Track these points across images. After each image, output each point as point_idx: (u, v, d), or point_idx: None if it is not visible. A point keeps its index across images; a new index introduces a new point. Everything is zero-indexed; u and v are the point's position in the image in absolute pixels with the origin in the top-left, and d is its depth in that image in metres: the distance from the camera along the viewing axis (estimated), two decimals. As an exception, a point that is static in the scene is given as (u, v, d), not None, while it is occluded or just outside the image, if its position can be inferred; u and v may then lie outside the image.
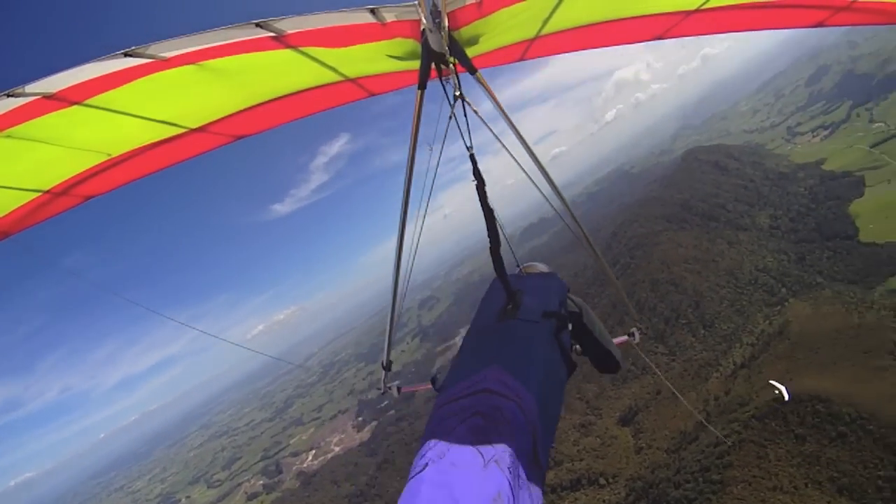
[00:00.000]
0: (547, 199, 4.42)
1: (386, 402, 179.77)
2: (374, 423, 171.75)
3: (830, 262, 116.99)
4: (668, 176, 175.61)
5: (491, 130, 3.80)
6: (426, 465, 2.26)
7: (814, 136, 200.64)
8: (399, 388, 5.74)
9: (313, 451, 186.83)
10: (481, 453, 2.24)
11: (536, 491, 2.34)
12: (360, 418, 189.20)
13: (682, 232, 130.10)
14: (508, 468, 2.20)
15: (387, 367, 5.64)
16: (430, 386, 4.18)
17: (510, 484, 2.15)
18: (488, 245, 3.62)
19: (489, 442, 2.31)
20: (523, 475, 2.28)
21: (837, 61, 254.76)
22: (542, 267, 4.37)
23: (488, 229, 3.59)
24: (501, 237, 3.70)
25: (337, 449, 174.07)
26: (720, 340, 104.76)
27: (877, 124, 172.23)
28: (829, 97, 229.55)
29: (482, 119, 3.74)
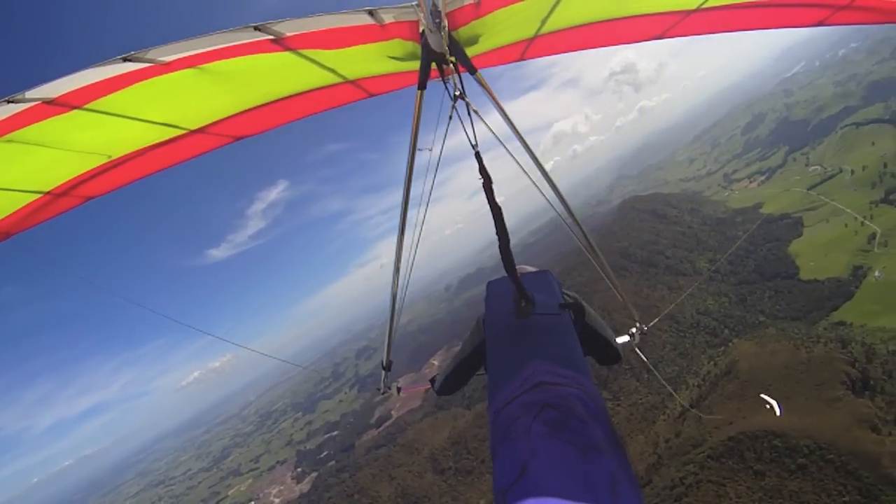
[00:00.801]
0: (547, 199, 4.50)
1: (326, 453, 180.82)
2: (314, 475, 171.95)
3: (772, 301, 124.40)
4: (606, 225, 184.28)
5: (491, 131, 3.87)
6: (524, 468, 2.13)
7: (751, 182, 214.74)
8: (399, 389, 5.89)
9: (252, 503, 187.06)
10: (573, 444, 2.18)
11: (632, 470, 2.23)
12: (299, 469, 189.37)
13: (622, 279, 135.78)
14: (608, 453, 2.16)
15: (387, 368, 5.78)
16: (430, 387, 4.79)
17: (617, 466, 2.11)
18: (497, 244, 3.64)
19: (574, 431, 2.25)
20: (621, 457, 2.21)
21: (773, 109, 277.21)
22: (529, 268, 4.30)
23: (497, 227, 3.57)
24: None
25: (277, 501, 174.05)
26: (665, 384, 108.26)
27: (813, 167, 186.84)
28: (764, 144, 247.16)
29: (482, 119, 3.78)
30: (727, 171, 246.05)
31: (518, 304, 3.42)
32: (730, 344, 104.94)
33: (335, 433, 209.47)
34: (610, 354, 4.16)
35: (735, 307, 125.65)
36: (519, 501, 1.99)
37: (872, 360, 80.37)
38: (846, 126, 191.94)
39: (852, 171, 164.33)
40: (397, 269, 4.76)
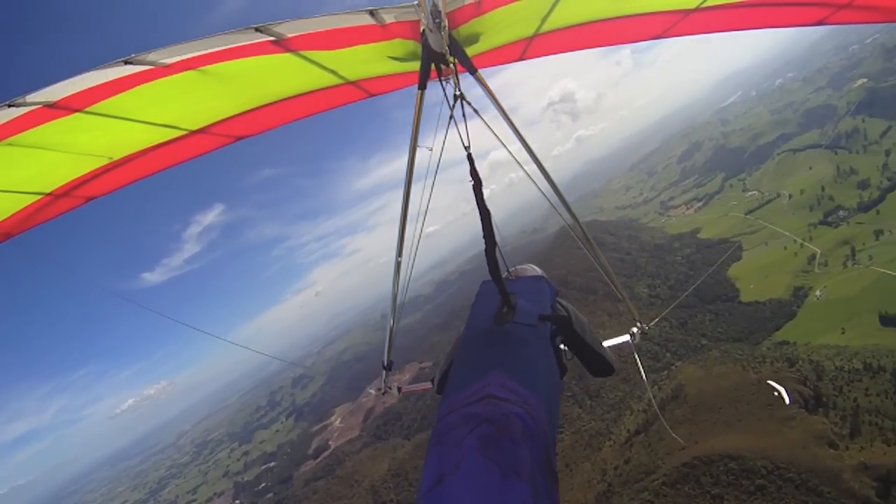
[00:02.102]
0: (547, 198, 4.69)
1: (263, 485, 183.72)
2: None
3: (713, 324, 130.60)
4: (543, 252, 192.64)
5: (492, 130, 4.05)
6: (441, 477, 2.29)
7: (688, 209, 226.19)
8: (399, 389, 6.17)
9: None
10: (497, 463, 2.28)
11: (554, 500, 2.38)
12: (237, 502, 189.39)
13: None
14: (528, 477, 2.26)
15: (387, 368, 6.01)
16: (430, 386, 5.15)
17: (532, 493, 2.20)
18: (483, 248, 3.84)
19: (503, 451, 2.35)
20: (541, 484, 2.32)
21: (709, 137, 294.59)
22: (531, 270, 4.50)
23: (484, 230, 3.76)
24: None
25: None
26: (608, 409, 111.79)
27: (750, 193, 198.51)
28: (701, 171, 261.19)
29: (483, 119, 3.98)
30: (664, 199, 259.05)
31: (500, 308, 3.60)
32: (673, 368, 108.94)
33: (273, 464, 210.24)
34: (602, 366, 4.24)
35: (676, 331, 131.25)
36: None
37: (822, 377, 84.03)
38: (783, 152, 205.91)
39: (790, 196, 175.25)
40: (398, 270, 4.99)
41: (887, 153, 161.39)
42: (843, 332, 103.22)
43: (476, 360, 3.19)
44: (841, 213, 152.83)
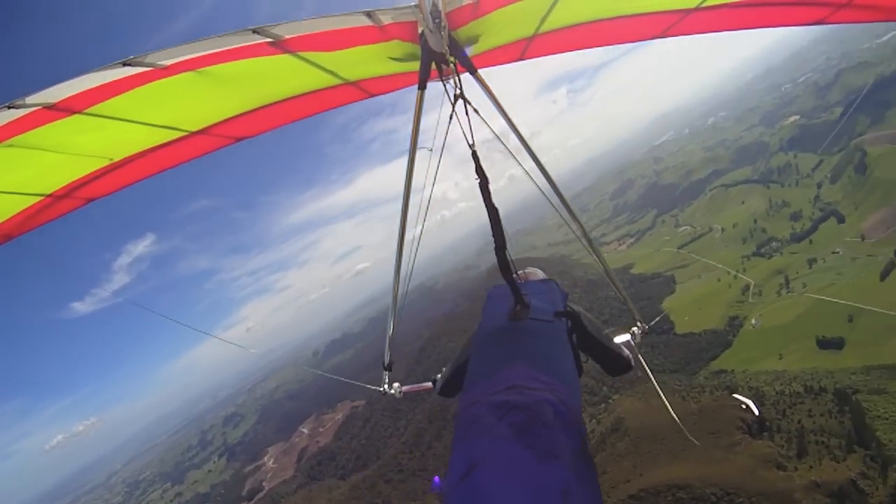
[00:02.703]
0: (546, 197, 4.81)
1: None
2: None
3: (649, 356, 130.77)
4: (476, 289, 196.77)
5: (492, 130, 4.19)
6: (473, 465, 2.25)
7: (620, 244, 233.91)
8: (401, 390, 6.34)
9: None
10: (534, 448, 2.26)
11: (597, 487, 2.33)
12: None
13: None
14: (568, 464, 2.21)
15: (388, 367, 6.26)
16: (432, 386, 5.35)
17: (575, 479, 2.15)
18: (493, 247, 3.93)
19: (539, 437, 2.33)
20: (582, 470, 2.27)
21: (642, 175, 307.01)
22: (540, 273, 4.64)
23: (493, 229, 3.84)
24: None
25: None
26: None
27: (683, 227, 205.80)
28: (633, 208, 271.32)
29: (482, 119, 4.05)
30: (596, 235, 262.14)
31: (513, 307, 3.65)
32: (610, 401, 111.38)
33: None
34: (620, 365, 4.36)
35: None
36: (459, 497, 2.15)
37: (764, 402, 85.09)
38: (715, 188, 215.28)
39: (723, 230, 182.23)
40: (398, 271, 5.11)
41: (819, 185, 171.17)
42: (780, 358, 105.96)
43: (496, 353, 3.19)
44: (774, 244, 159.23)
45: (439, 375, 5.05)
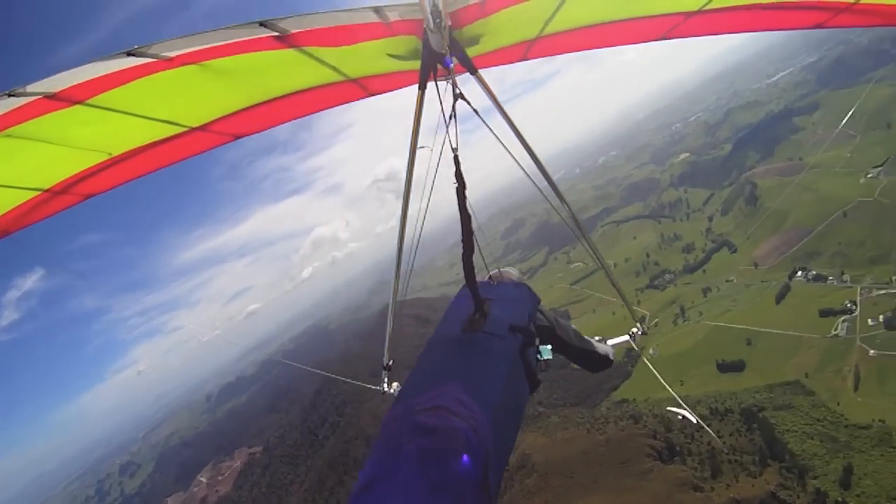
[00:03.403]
0: (546, 197, 5.06)
1: None
2: None
3: (548, 391, 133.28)
4: (368, 331, 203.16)
5: (491, 130, 4.36)
6: (372, 481, 2.52)
7: None
8: (400, 389, 6.45)
9: None
10: (428, 476, 2.46)
11: None
12: None
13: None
14: (457, 494, 2.43)
15: (387, 368, 6.56)
16: None
17: None
18: (461, 252, 4.02)
19: (438, 465, 2.52)
20: (470, 501, 2.49)
21: (533, 214, 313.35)
22: (514, 274, 4.82)
23: (463, 235, 3.92)
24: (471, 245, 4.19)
25: None
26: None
27: (575, 264, 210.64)
28: (525, 246, 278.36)
29: (482, 119, 4.21)
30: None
31: (471, 315, 3.78)
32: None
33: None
34: (598, 362, 4.77)
35: None
36: None
37: (671, 428, 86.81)
38: (606, 224, 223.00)
39: (615, 264, 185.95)
40: (398, 271, 5.40)
41: (710, 218, 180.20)
42: (682, 384, 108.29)
43: (436, 366, 3.37)
44: (667, 276, 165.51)
45: None
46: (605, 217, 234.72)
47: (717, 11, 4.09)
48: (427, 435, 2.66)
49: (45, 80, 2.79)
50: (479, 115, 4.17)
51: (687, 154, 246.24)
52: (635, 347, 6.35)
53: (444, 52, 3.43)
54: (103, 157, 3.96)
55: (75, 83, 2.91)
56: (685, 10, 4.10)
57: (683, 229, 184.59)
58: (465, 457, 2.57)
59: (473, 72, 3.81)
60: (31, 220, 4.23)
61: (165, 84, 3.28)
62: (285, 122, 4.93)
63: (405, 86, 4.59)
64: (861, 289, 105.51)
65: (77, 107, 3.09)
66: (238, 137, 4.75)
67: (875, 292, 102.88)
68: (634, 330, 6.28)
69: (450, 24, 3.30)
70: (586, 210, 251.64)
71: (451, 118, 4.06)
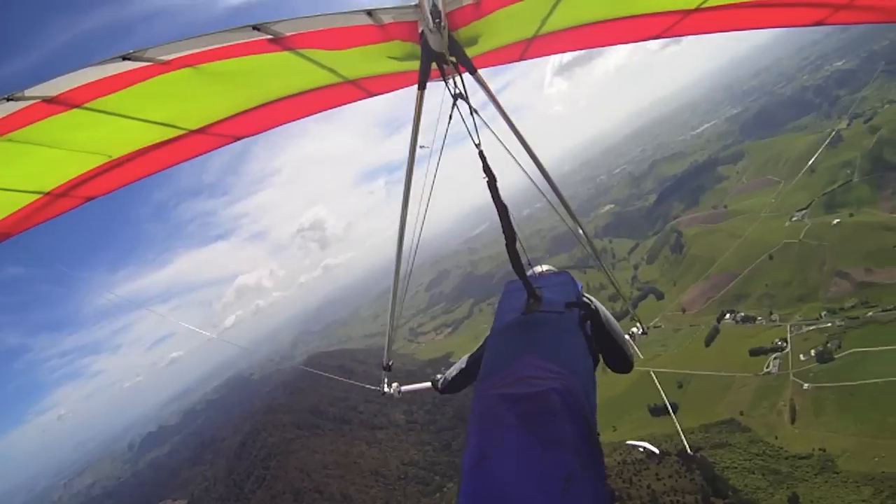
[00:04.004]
0: (546, 197, 5.26)
1: None
2: None
3: None
4: (292, 382, 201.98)
5: (491, 130, 4.43)
6: (484, 454, 2.67)
7: (437, 334, 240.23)
8: (400, 389, 6.93)
9: None
10: (539, 437, 2.64)
11: (600, 471, 2.70)
12: None
13: (317, 438, 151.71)
14: (571, 450, 2.60)
15: (387, 368, 6.80)
16: (431, 386, 5.99)
17: (577, 464, 2.54)
18: (503, 248, 4.37)
19: (544, 426, 2.71)
20: (586, 455, 2.64)
21: (457, 266, 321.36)
22: (552, 268, 5.21)
23: (503, 225, 4.25)
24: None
25: None
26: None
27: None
28: (449, 298, 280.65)
29: (482, 119, 4.36)
30: (413, 326, 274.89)
31: (526, 300, 4.12)
32: (445, 490, 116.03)
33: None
34: (624, 363, 4.71)
35: (440, 454, 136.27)
36: (471, 485, 2.57)
37: (608, 474, 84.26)
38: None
39: None
40: (398, 271, 5.58)
41: (636, 267, 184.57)
42: (615, 430, 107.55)
43: (508, 346, 3.64)
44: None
45: (439, 375, 5.68)
46: (530, 269, 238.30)
47: (716, 9, 4.12)
48: (522, 402, 2.82)
49: (44, 83, 2.87)
50: (479, 115, 4.24)
51: (612, 205, 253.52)
52: (635, 347, 6.03)
53: (443, 52, 3.53)
54: (103, 160, 4.04)
55: (73, 87, 2.99)
56: (683, 7, 4.14)
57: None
58: (566, 412, 2.73)
59: (473, 72, 3.87)
60: (32, 223, 4.34)
61: (163, 87, 3.36)
62: (286, 122, 4.98)
63: (404, 86, 4.73)
64: (791, 326, 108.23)
65: (76, 110, 3.18)
66: (238, 139, 4.85)
67: (805, 329, 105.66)
68: (634, 330, 6.40)
69: (447, 24, 3.38)
70: (510, 262, 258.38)
71: (450, 117, 4.24)
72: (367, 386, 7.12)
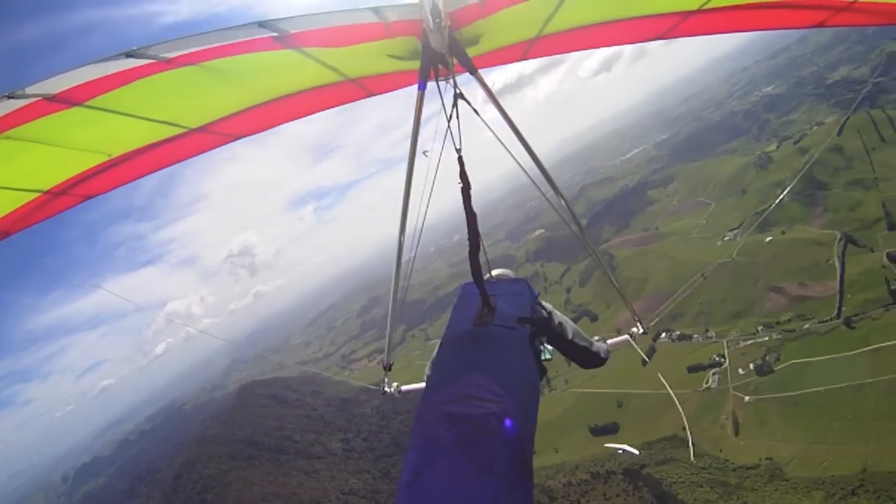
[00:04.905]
0: (546, 198, 5.33)
1: None
2: None
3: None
4: (225, 412, 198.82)
5: (491, 130, 4.55)
6: (418, 474, 2.68)
7: (370, 361, 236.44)
8: (400, 389, 7.12)
9: None
10: (472, 461, 2.66)
11: (529, 494, 2.80)
12: None
13: (253, 469, 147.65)
14: (501, 475, 2.64)
15: (387, 368, 7.05)
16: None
17: (506, 492, 2.59)
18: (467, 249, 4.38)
19: (479, 449, 2.74)
20: (516, 480, 2.71)
21: (388, 292, 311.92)
22: (510, 273, 5.20)
23: (469, 233, 4.31)
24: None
25: None
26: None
27: (433, 341, 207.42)
28: (381, 324, 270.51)
29: (481, 118, 4.42)
30: (345, 352, 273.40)
31: (480, 310, 4.10)
32: None
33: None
34: (591, 359, 4.97)
35: (381, 482, 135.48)
36: (404, 502, 2.59)
37: (554, 496, 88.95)
38: None
39: None
40: (398, 271, 5.73)
41: (569, 290, 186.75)
42: (556, 452, 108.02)
43: (456, 360, 3.66)
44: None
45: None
46: (486, 273, 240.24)
47: (717, 11, 4.19)
48: (461, 423, 2.84)
49: (44, 81, 2.88)
50: (478, 115, 4.30)
51: (542, 230, 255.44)
52: (636, 347, 6.59)
53: (443, 51, 3.60)
54: (103, 159, 4.07)
55: (74, 85, 3.00)
56: (684, 9, 4.19)
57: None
58: (502, 438, 2.79)
59: (473, 72, 3.93)
60: (31, 222, 4.34)
61: (164, 85, 3.39)
62: (286, 122, 5.06)
63: (405, 86, 4.76)
64: (728, 342, 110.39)
65: (76, 108, 3.20)
66: (238, 138, 4.86)
67: (742, 343, 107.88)
68: (634, 330, 6.78)
69: (449, 24, 3.43)
70: (443, 287, 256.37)
71: (449, 117, 4.20)
72: (368, 385, 7.51)
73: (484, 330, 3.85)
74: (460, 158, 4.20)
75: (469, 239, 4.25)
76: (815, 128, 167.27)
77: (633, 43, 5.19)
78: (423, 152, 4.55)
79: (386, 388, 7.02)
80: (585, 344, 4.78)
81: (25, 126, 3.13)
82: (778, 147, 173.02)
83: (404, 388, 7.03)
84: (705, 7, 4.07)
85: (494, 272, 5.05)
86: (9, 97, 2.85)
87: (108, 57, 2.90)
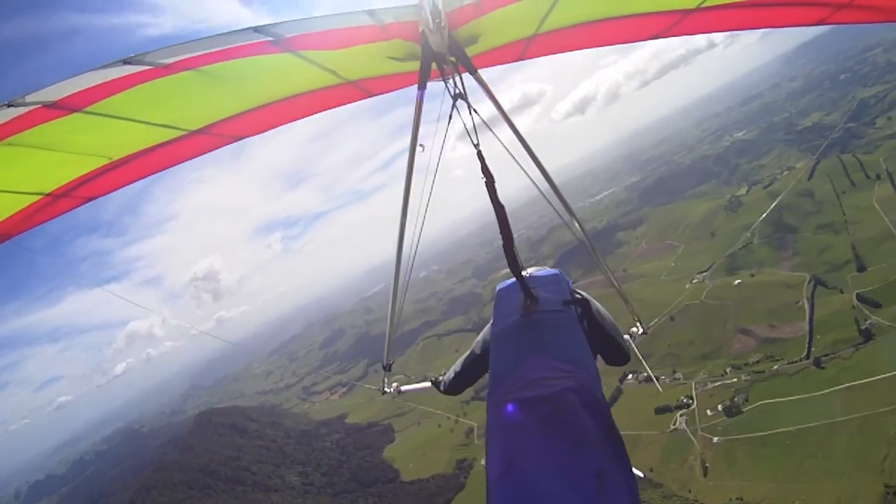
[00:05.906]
0: (547, 200, 5.38)
1: None
2: None
3: None
4: (182, 438, 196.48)
5: (490, 129, 4.63)
6: (511, 462, 2.66)
7: (332, 394, 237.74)
8: (400, 389, 7.29)
9: None
10: (564, 437, 2.66)
11: (627, 461, 2.71)
12: None
13: (208, 499, 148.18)
14: (596, 442, 2.64)
15: (387, 368, 7.14)
16: (430, 385, 6.32)
17: (607, 459, 2.57)
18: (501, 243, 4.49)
19: (566, 424, 2.75)
20: (612, 447, 2.69)
21: (352, 325, 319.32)
22: (541, 269, 5.16)
23: (500, 226, 4.39)
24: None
25: None
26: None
27: (397, 376, 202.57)
28: (344, 357, 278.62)
29: (482, 118, 4.53)
30: (306, 384, 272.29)
31: (524, 302, 4.21)
32: None
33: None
34: (619, 356, 4.89)
35: None
36: (501, 495, 2.55)
37: None
38: (427, 338, 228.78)
39: (437, 377, 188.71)
40: (397, 271, 5.77)
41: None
42: None
43: (513, 349, 3.69)
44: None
45: (439, 376, 5.85)
46: (427, 331, 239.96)
47: (716, 9, 4.19)
48: (538, 405, 2.85)
49: (44, 89, 2.96)
50: (478, 115, 4.39)
51: (508, 270, 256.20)
52: (635, 348, 6.31)
53: (443, 52, 3.64)
54: (103, 162, 4.16)
55: (74, 91, 3.07)
56: (683, 7, 4.21)
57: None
58: (585, 408, 2.78)
59: (473, 71, 4.00)
60: (32, 224, 4.44)
61: (163, 89, 3.46)
62: (287, 122, 5.07)
63: (405, 86, 4.78)
64: (696, 384, 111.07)
65: (76, 114, 3.29)
66: (238, 139, 4.91)
67: (710, 385, 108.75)
68: (634, 330, 6.65)
69: (447, 24, 3.47)
70: (407, 323, 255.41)
71: (450, 118, 4.38)
72: (368, 386, 7.56)
73: (533, 317, 3.92)
74: (479, 154, 4.28)
75: (501, 232, 4.29)
76: (785, 172, 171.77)
77: (632, 41, 5.23)
78: (419, 145, 4.52)
79: (386, 389, 7.17)
80: (618, 338, 4.74)
81: (26, 132, 3.21)
82: (748, 191, 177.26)
83: (404, 388, 7.19)
84: (703, 5, 4.11)
85: (528, 270, 4.98)
86: (8, 105, 2.92)
87: (106, 64, 2.97)
